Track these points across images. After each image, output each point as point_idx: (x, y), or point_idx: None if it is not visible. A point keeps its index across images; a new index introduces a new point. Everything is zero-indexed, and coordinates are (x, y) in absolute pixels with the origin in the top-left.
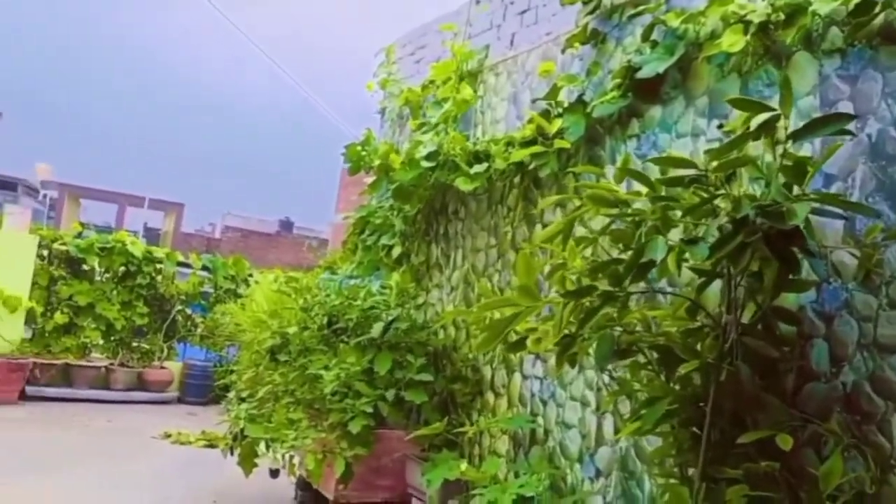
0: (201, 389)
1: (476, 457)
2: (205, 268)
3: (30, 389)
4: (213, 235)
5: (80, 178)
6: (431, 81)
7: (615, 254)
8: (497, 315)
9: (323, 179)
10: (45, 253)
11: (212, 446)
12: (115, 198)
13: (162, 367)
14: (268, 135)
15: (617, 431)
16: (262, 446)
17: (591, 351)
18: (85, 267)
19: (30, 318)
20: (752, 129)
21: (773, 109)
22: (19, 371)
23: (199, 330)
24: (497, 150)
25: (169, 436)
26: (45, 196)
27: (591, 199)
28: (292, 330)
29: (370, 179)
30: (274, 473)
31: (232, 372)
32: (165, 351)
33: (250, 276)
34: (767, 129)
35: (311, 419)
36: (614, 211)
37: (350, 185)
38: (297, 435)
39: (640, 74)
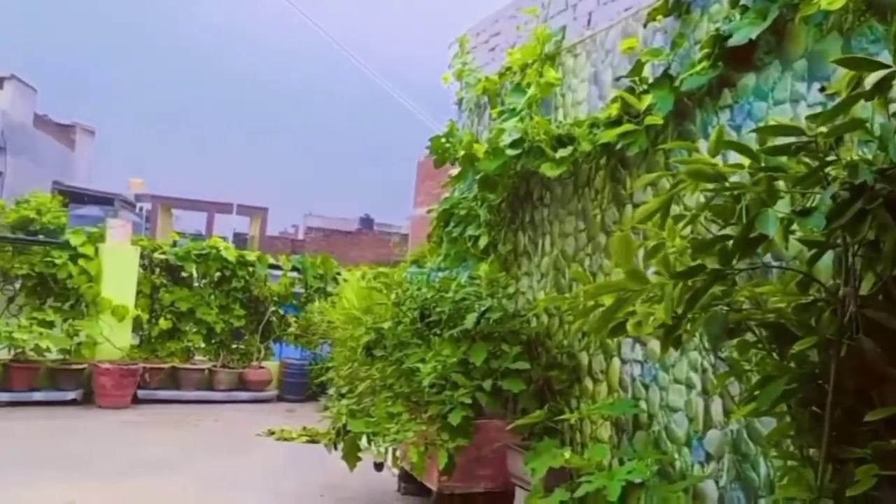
0: (299, 387)
1: (578, 444)
2: (294, 269)
3: (141, 393)
4: (297, 237)
5: (170, 188)
6: (508, 68)
7: (715, 230)
8: (591, 301)
9: (400, 174)
10: (147, 262)
11: (313, 442)
12: (204, 206)
13: (261, 367)
14: (344, 133)
15: (726, 413)
16: (364, 440)
17: (697, 333)
18: (184, 274)
19: (136, 325)
20: (862, 88)
21: (888, 66)
22: (131, 376)
23: (292, 329)
24: (581, 133)
25: (272, 433)
26: (140, 209)
27: (690, 175)
28: (387, 325)
29: (452, 171)
30: (378, 467)
31: (328, 369)
32: (262, 351)
33: (338, 274)
34: (882, 87)
35: (410, 412)
36: (714, 185)
37: (428, 178)
38: (399, 428)
39: (731, 42)
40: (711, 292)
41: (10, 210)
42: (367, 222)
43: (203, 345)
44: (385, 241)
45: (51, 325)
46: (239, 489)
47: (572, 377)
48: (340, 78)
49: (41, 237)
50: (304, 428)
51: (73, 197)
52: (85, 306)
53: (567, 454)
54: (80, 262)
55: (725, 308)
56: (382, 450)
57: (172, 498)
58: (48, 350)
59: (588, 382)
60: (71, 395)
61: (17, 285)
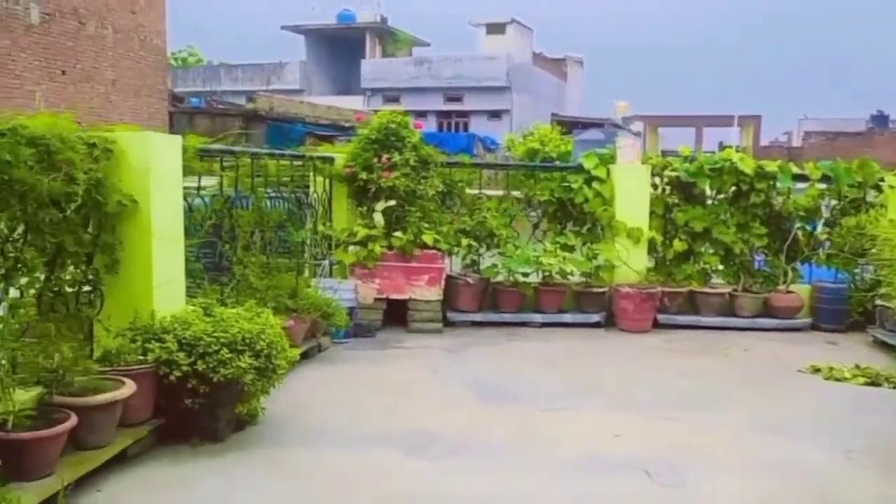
0: (835, 315)
1: None
2: (824, 177)
3: (660, 317)
4: (791, 144)
5: (652, 107)
6: None
7: None
8: None
9: None
10: (657, 181)
11: (874, 384)
12: (691, 121)
13: (788, 292)
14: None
15: None
16: None
17: None
18: (696, 191)
19: (651, 247)
20: None
21: None
22: (650, 300)
23: (823, 248)
24: None
25: (818, 370)
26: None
27: None
28: None
29: None
30: None
31: (877, 295)
32: (790, 273)
33: (881, 181)
34: None
35: None
36: None
37: None
38: None
39: None
40: None
41: (518, 143)
42: (880, 119)
43: (721, 267)
44: None
45: (571, 249)
46: (796, 439)
47: None
48: None
49: (558, 163)
50: (858, 367)
51: (567, 126)
52: (601, 229)
53: None
54: (594, 185)
55: None
56: None
57: (722, 443)
58: (571, 273)
59: None
60: (594, 318)
61: (540, 212)
